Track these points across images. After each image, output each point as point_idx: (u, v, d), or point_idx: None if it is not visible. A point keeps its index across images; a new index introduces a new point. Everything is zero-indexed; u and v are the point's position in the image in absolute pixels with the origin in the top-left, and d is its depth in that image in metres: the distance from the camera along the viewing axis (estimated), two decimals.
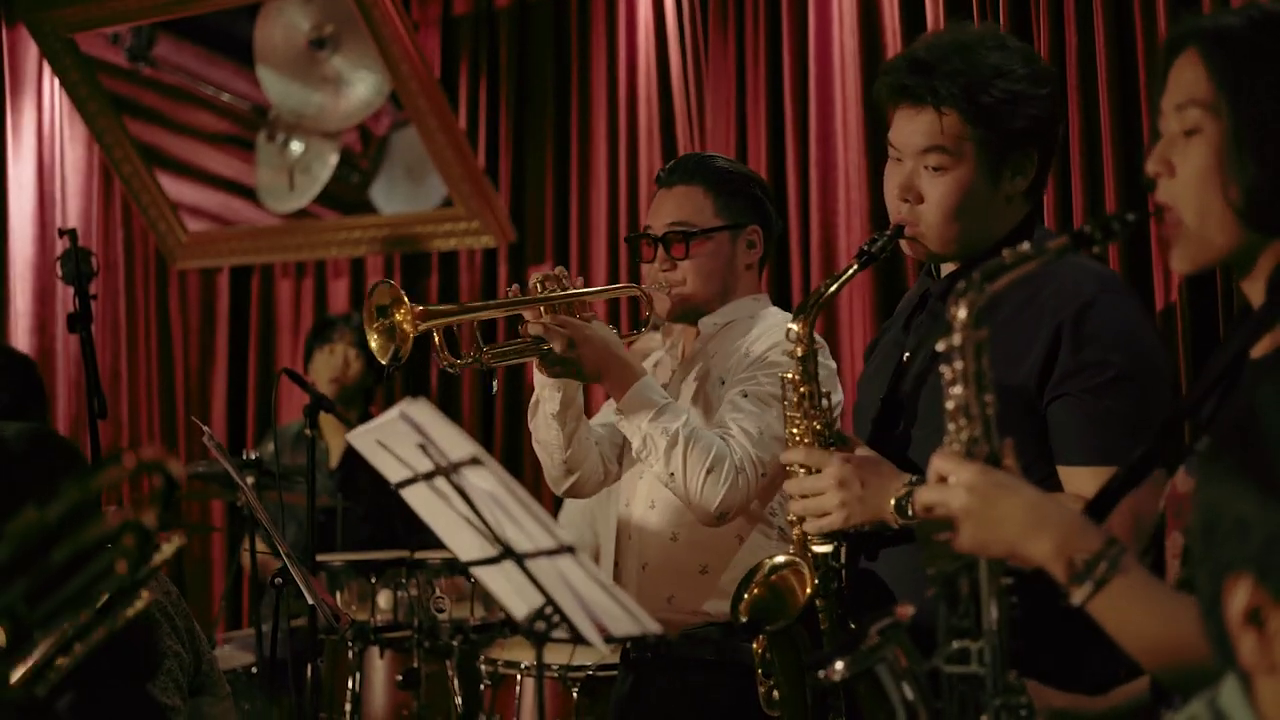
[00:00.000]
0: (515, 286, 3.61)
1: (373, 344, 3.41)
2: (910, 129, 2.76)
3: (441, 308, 3.53)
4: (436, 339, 3.49)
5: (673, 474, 3.35)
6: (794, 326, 2.69)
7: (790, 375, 2.69)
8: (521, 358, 3.59)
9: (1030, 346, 2.59)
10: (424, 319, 3.40)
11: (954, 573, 2.05)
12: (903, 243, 2.80)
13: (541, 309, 3.48)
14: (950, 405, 2.09)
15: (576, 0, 6.49)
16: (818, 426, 2.65)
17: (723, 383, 3.53)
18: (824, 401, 2.67)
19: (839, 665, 2.13)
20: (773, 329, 3.53)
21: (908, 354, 2.83)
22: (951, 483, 2.01)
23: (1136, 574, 1.90)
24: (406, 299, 3.41)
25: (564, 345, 3.42)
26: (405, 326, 3.38)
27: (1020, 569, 2.03)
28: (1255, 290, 2.05)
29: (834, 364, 3.59)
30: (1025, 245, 2.10)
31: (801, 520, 2.67)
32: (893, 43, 5.31)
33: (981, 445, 2.06)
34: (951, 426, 2.09)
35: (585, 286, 3.65)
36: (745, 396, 3.44)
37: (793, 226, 5.55)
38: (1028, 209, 2.83)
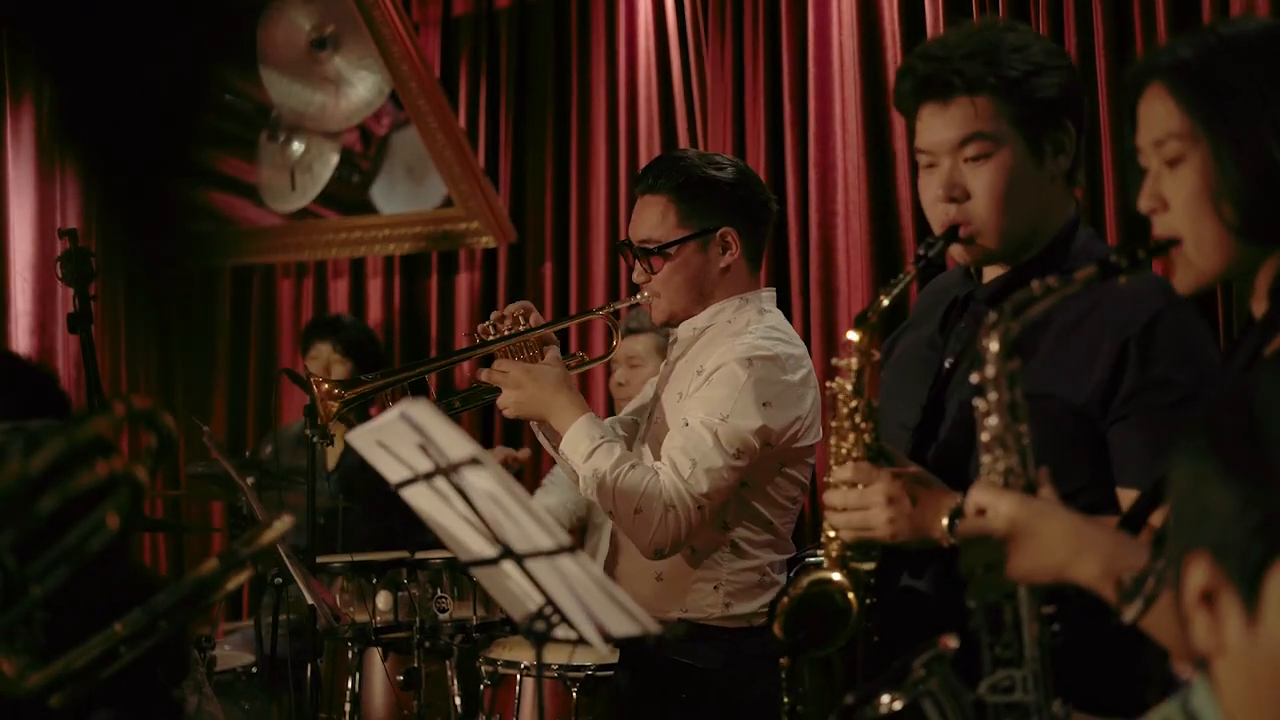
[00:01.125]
0: (484, 326, 3.62)
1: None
2: (941, 125, 2.62)
3: (363, 387, 3.61)
4: (382, 396, 3.62)
5: (610, 512, 3.41)
6: (853, 337, 2.53)
7: (844, 386, 2.54)
8: (469, 406, 3.70)
9: (1093, 363, 2.49)
10: (333, 399, 3.54)
11: (997, 603, 2.06)
12: (954, 249, 2.66)
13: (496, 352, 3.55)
14: (985, 437, 2.10)
15: (576, 1, 6.50)
16: (867, 439, 2.51)
17: (681, 396, 3.52)
18: (870, 418, 2.52)
19: (886, 699, 2.11)
20: (734, 343, 3.47)
21: (949, 360, 2.70)
22: (991, 515, 2.02)
23: None
24: (315, 384, 3.55)
25: (506, 390, 3.49)
26: (326, 408, 3.54)
27: (1062, 597, 2.04)
28: (1257, 300, 2.09)
29: (794, 350, 3.50)
30: (1053, 278, 2.11)
31: (835, 536, 2.54)
32: (892, 45, 5.32)
33: (1018, 475, 2.08)
34: (987, 458, 2.10)
35: (535, 319, 3.63)
36: (687, 425, 3.41)
37: (792, 226, 5.56)
38: (1073, 202, 2.71)
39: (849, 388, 2.53)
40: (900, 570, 2.63)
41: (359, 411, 6.12)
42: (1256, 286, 2.07)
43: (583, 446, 3.41)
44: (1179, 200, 2.04)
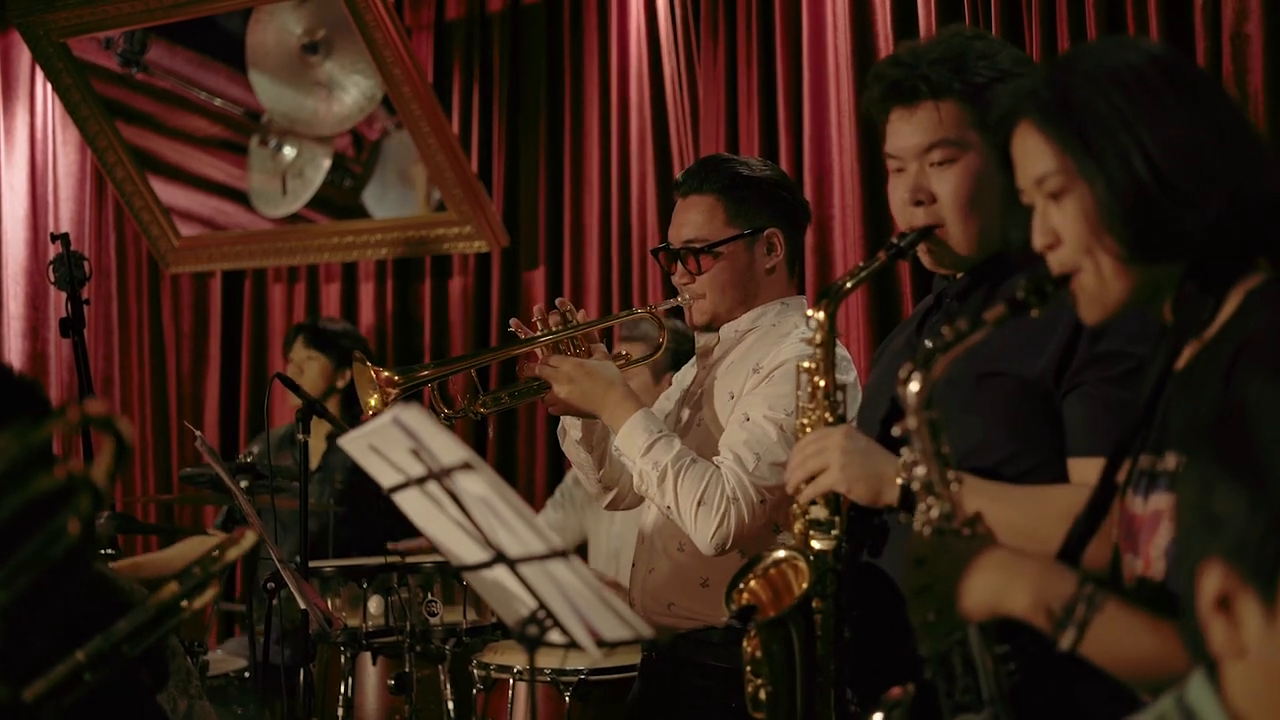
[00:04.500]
0: (515, 321, 3.62)
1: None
2: (909, 130, 2.69)
3: (417, 374, 3.61)
4: (428, 389, 3.57)
5: (668, 507, 3.35)
6: (817, 315, 2.60)
7: (808, 365, 2.61)
8: (518, 400, 3.66)
9: (1049, 338, 2.52)
10: (393, 385, 3.51)
11: (947, 650, 2.07)
12: (922, 253, 2.73)
13: (540, 348, 3.52)
14: (915, 486, 2.14)
15: (569, 5, 6.50)
16: (829, 418, 2.58)
17: (732, 397, 3.50)
18: (838, 395, 2.60)
19: None
20: (787, 343, 3.47)
21: None
22: (930, 563, 2.06)
23: (1114, 607, 1.93)
24: (374, 372, 3.51)
25: (558, 385, 3.46)
26: (384, 394, 3.51)
27: (1015, 635, 2.05)
28: (1168, 312, 2.11)
29: (846, 352, 3.50)
30: (963, 321, 2.15)
31: (805, 510, 2.59)
32: (885, 49, 5.32)
33: (951, 520, 2.11)
34: (921, 506, 2.13)
35: (584, 315, 3.62)
36: (748, 420, 3.39)
37: None
38: None
39: (816, 364, 2.60)
40: (866, 547, 2.66)
41: (343, 412, 6.15)
42: (1164, 300, 2.10)
43: (640, 440, 3.37)
44: (1069, 234, 2.07)
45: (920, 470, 2.12)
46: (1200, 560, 1.40)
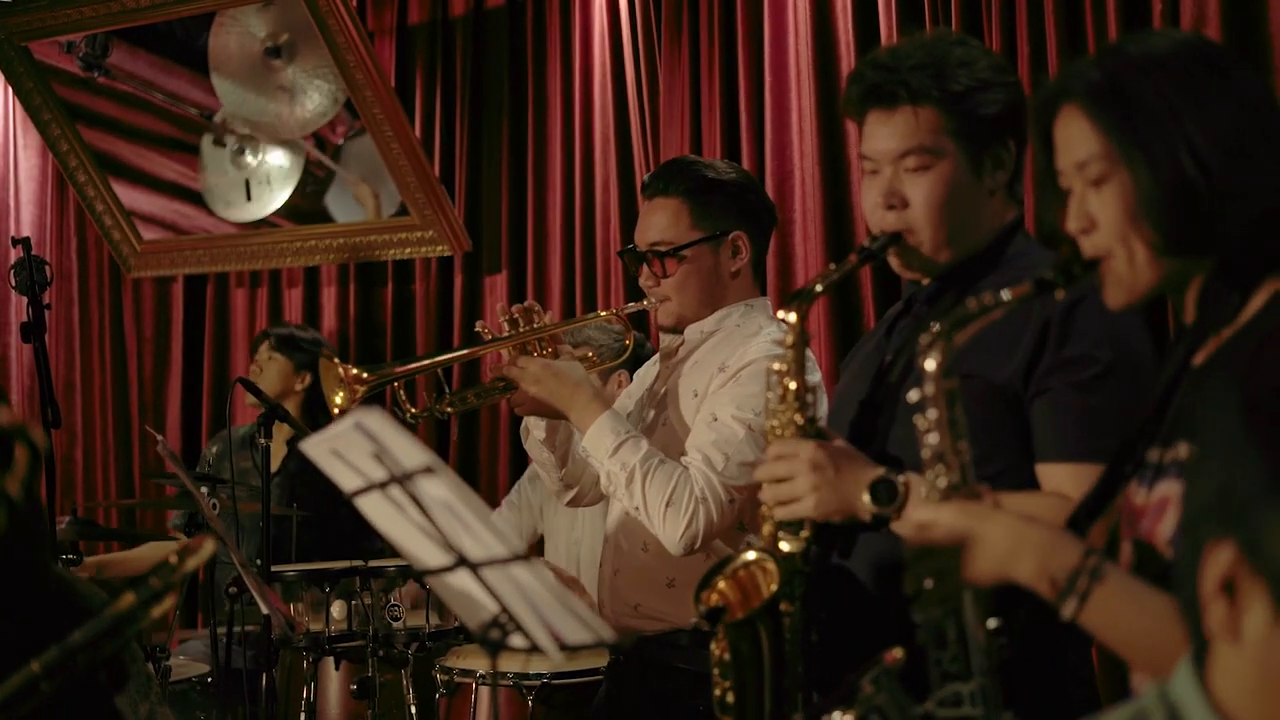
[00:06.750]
0: (481, 323, 3.62)
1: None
2: (885, 133, 2.69)
3: (385, 372, 3.62)
4: (393, 387, 3.57)
5: (636, 508, 3.36)
6: (789, 316, 2.59)
7: (779, 367, 2.60)
8: (484, 400, 3.66)
9: (1017, 342, 2.53)
10: (361, 383, 3.52)
11: (940, 618, 2.07)
12: (892, 258, 2.73)
13: (506, 349, 3.52)
14: (926, 454, 2.13)
15: (532, 9, 6.50)
16: (799, 420, 2.56)
17: (696, 394, 3.51)
18: (808, 396, 2.58)
19: (837, 715, 2.12)
20: (754, 343, 3.48)
21: (889, 357, 2.75)
22: (934, 529, 2.06)
23: (1116, 580, 1.94)
24: (342, 370, 3.52)
25: (525, 386, 3.47)
26: (351, 391, 3.51)
27: (1010, 609, 2.06)
28: (1188, 312, 2.12)
29: (810, 353, 3.52)
30: (988, 295, 2.15)
31: (773, 514, 2.58)
32: (846, 53, 5.34)
33: (960, 491, 2.11)
34: (929, 474, 2.13)
35: (551, 317, 3.64)
36: (716, 420, 3.40)
37: None
38: (1014, 211, 2.76)
39: (787, 367, 2.58)
40: (836, 548, 2.66)
41: (304, 414, 6.13)
42: (1187, 298, 2.11)
43: (608, 441, 3.37)
44: (1106, 219, 2.07)
45: (933, 438, 2.12)
46: (1210, 538, 1.39)
